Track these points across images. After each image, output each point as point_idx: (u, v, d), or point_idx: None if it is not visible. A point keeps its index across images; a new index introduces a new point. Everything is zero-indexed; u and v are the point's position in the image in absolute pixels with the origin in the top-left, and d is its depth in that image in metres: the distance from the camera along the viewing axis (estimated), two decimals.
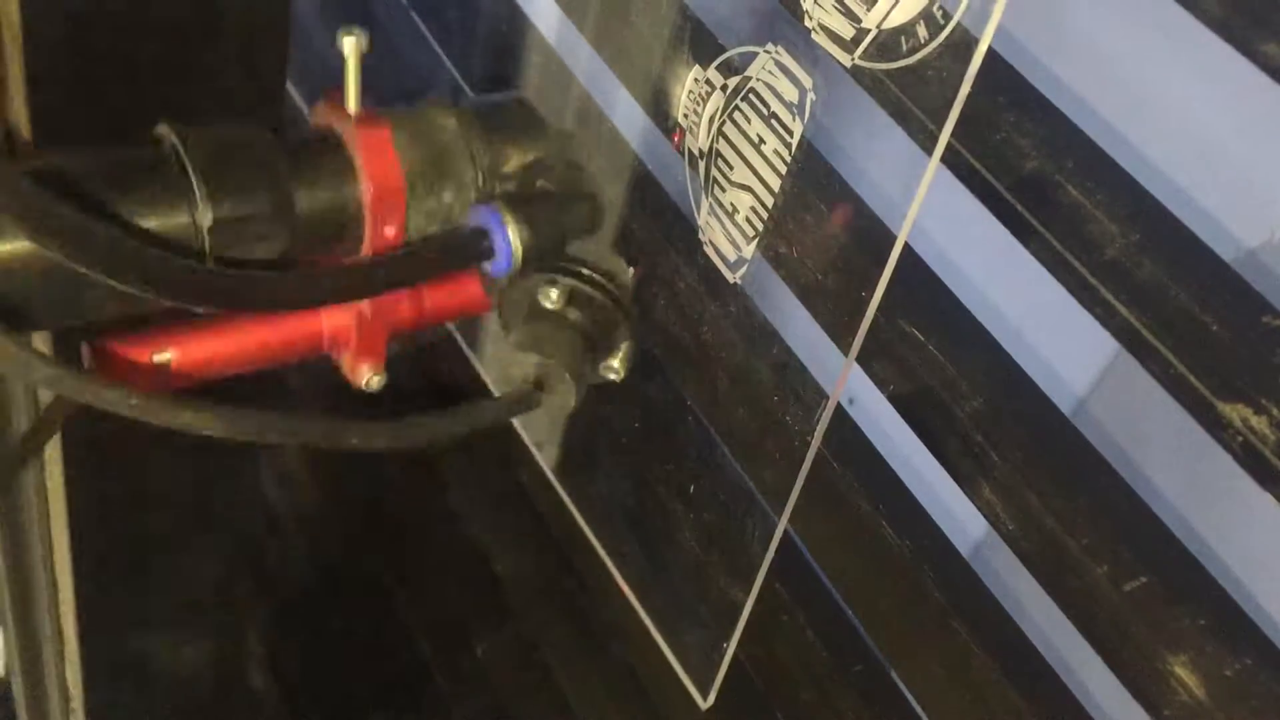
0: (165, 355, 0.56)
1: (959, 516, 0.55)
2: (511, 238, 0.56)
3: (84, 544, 0.86)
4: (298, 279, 0.55)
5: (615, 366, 0.59)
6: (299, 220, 0.52)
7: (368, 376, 0.60)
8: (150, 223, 0.50)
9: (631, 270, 0.61)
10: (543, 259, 0.57)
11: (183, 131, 0.52)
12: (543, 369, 0.57)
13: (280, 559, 1.24)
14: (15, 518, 0.88)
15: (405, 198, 0.55)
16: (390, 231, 0.55)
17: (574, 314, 0.58)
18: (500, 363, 0.58)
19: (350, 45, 0.54)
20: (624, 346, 0.59)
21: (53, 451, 0.76)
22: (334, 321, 0.59)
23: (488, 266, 0.57)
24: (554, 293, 0.58)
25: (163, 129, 0.52)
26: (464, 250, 0.56)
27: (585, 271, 0.58)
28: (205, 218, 0.50)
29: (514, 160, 0.58)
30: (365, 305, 0.59)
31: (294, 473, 1.21)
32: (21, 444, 0.62)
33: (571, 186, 0.58)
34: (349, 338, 0.61)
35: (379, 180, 0.54)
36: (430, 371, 0.99)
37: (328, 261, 0.57)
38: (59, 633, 0.96)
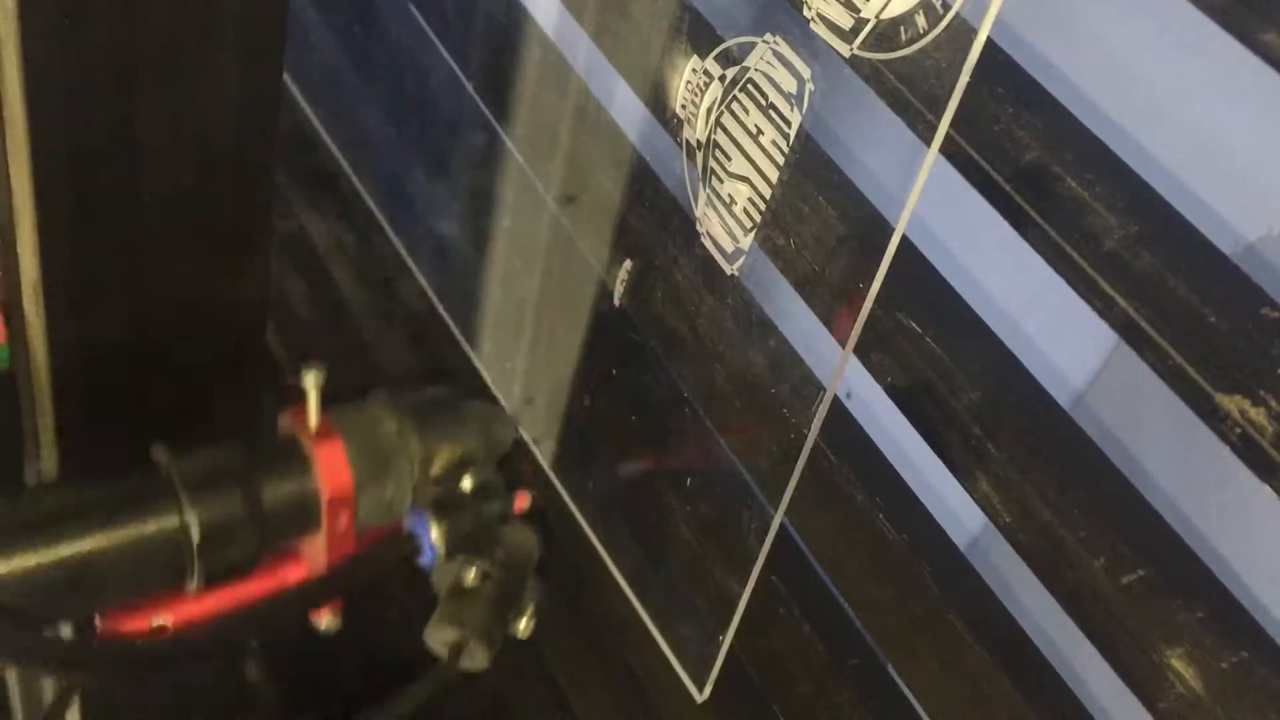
0: (161, 620, 0.69)
1: (956, 509, 0.55)
2: (434, 539, 0.70)
3: None
4: (268, 611, 0.71)
5: (523, 626, 0.74)
6: (269, 519, 0.66)
7: (326, 621, 0.75)
8: (147, 531, 0.64)
9: (538, 546, 0.74)
10: (464, 550, 0.71)
11: (173, 454, 0.65)
12: (462, 638, 0.71)
13: None
14: None
15: (354, 494, 0.68)
16: (343, 522, 0.69)
17: (488, 588, 0.72)
18: (427, 632, 0.71)
19: (311, 379, 0.67)
20: (529, 608, 0.73)
21: (48, 443, 0.76)
22: (297, 576, 0.73)
23: (417, 560, 0.72)
24: (471, 574, 0.71)
25: (158, 453, 0.66)
26: (398, 552, 0.72)
27: (498, 554, 0.72)
28: (192, 520, 0.64)
29: (441, 458, 0.71)
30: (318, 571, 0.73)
31: None
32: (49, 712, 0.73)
33: (488, 485, 0.72)
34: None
35: (334, 485, 0.67)
36: (426, 360, 0.99)
37: (291, 549, 0.71)
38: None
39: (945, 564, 0.56)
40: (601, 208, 0.73)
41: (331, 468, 0.68)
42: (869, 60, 0.52)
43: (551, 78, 0.76)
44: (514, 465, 0.88)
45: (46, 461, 0.76)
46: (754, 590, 0.67)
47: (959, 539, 0.56)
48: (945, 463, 0.54)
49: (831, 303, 0.57)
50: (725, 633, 0.69)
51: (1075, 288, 0.47)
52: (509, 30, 0.79)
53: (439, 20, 0.88)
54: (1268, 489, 0.42)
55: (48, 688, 1.01)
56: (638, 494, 0.76)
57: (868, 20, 0.51)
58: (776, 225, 0.59)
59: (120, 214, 0.68)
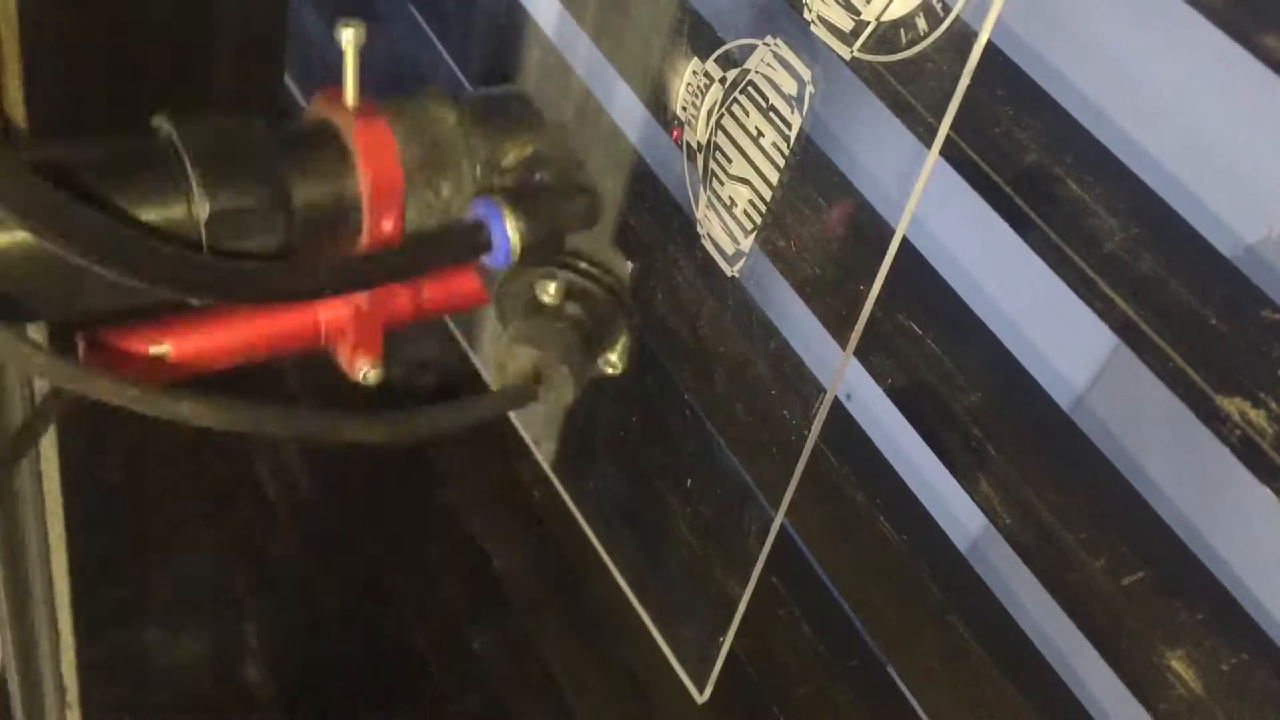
0: (162, 348, 0.56)
1: (956, 511, 0.55)
2: (509, 232, 0.56)
3: (80, 539, 0.86)
4: (294, 270, 0.55)
5: (613, 361, 0.59)
6: (296, 213, 0.52)
7: (364, 370, 0.60)
8: (147, 214, 0.50)
9: (630, 265, 0.60)
10: (540, 253, 0.57)
11: (180, 123, 0.52)
12: (540, 363, 0.57)
13: (277, 554, 1.24)
14: (11, 511, 0.88)
15: (403, 191, 0.55)
16: (388, 225, 0.55)
17: (571, 308, 0.58)
18: (498, 356, 0.57)
19: (348, 37, 0.54)
20: (621, 340, 0.60)
21: (49, 444, 0.76)
22: (330, 315, 0.59)
23: (485, 260, 0.57)
24: (551, 287, 0.58)
25: (160, 120, 0.52)
26: (462, 244, 0.57)
27: (583, 266, 0.59)
28: (202, 210, 0.50)
29: (511, 154, 0.58)
30: (362, 298, 0.59)
31: (291, 467, 1.21)
32: (17, 436, 0.62)
33: (569, 180, 0.58)
34: (346, 331, 0.61)
35: (377, 174, 0.54)
36: (427, 364, 0.98)
37: (325, 254, 0.57)
38: (55, 627, 0.96)
39: (945, 565, 0.56)
40: (603, 203, 0.72)
41: (375, 154, 0.53)
42: (869, 63, 0.52)
43: (552, 79, 0.76)
44: (514, 475, 0.88)
45: (13, 121, 0.61)
46: (754, 591, 0.67)
47: (959, 540, 0.56)
48: (945, 464, 0.54)
49: (832, 304, 0.57)
50: (725, 633, 0.69)
51: (1075, 289, 0.47)
52: (509, 31, 0.79)
53: (439, 20, 0.88)
54: (1268, 491, 0.42)
55: (48, 691, 1.01)
56: (638, 495, 0.76)
57: (868, 23, 0.52)
58: (777, 227, 0.59)
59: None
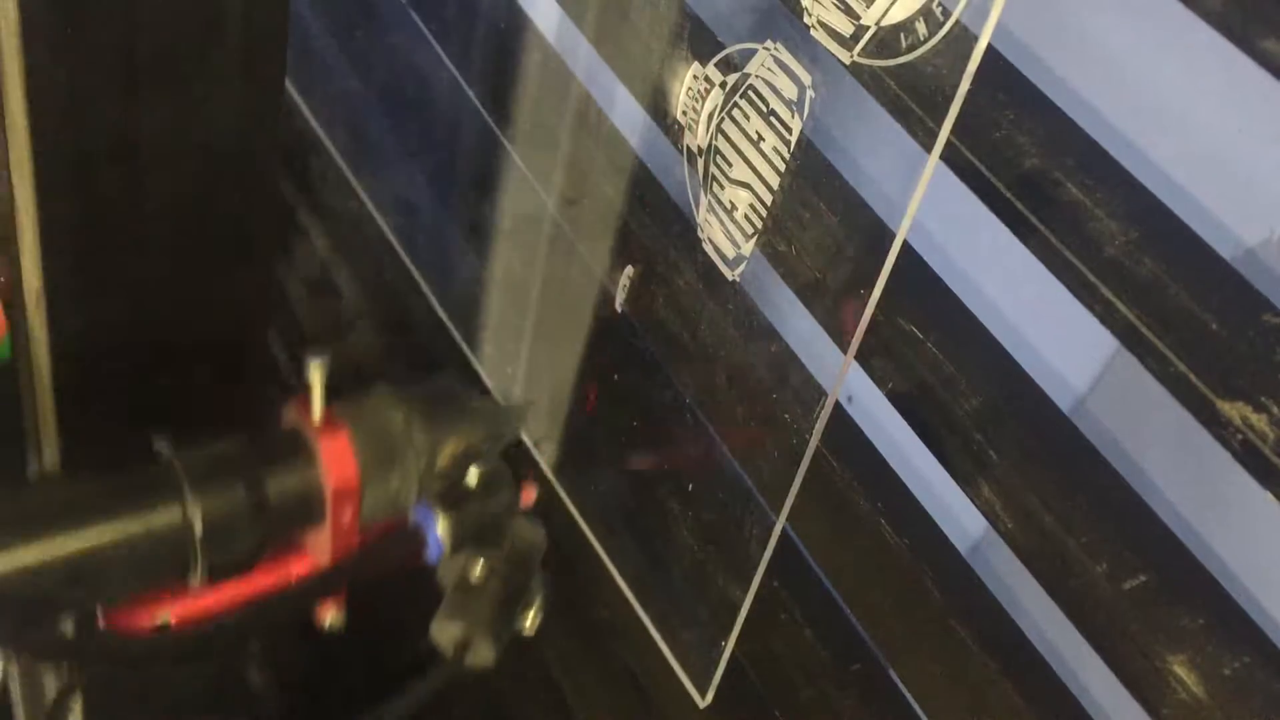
0: (164, 616, 0.69)
1: (958, 515, 0.55)
2: (440, 532, 0.69)
3: None
4: (272, 606, 0.70)
5: (529, 620, 0.73)
6: (272, 511, 0.65)
7: (330, 617, 0.75)
8: (149, 525, 0.63)
9: (542, 533, 0.73)
10: (469, 545, 0.71)
11: (178, 449, 0.65)
12: (467, 633, 0.70)
13: None
14: None
15: (360, 489, 0.67)
16: (347, 515, 0.68)
17: (494, 583, 0.71)
18: (434, 627, 0.70)
19: (315, 368, 0.65)
20: (536, 601, 0.73)
21: (48, 445, 0.76)
22: (301, 570, 0.72)
23: (425, 554, 0.71)
24: (477, 569, 0.70)
25: (160, 445, 0.65)
26: (404, 548, 0.71)
27: (505, 547, 0.71)
28: (196, 522, 0.63)
29: (449, 448, 0.69)
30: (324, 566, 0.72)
31: None
32: (52, 710, 0.77)
33: (494, 477, 0.71)
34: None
35: (339, 477, 0.66)
36: (427, 364, 0.99)
37: (295, 542, 0.70)
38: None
39: (947, 569, 0.56)
40: (603, 213, 0.73)
41: (336, 460, 0.66)
42: (870, 67, 0.52)
43: (552, 83, 0.76)
44: (518, 460, 0.88)
45: (48, 454, 0.76)
46: (756, 595, 0.67)
47: (960, 544, 0.56)
48: (947, 468, 0.54)
49: (833, 308, 0.57)
50: (727, 638, 0.69)
51: (1076, 294, 0.47)
52: (510, 36, 0.79)
53: (440, 26, 0.88)
54: (1269, 495, 0.42)
55: (49, 688, 1.01)
56: (639, 498, 0.76)
57: (868, 27, 0.52)
58: (778, 231, 0.59)
59: (123, 219, 0.68)
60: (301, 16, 1.06)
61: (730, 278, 0.63)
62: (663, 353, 0.70)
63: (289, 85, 1.09)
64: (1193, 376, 0.44)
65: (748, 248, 0.61)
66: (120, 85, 0.63)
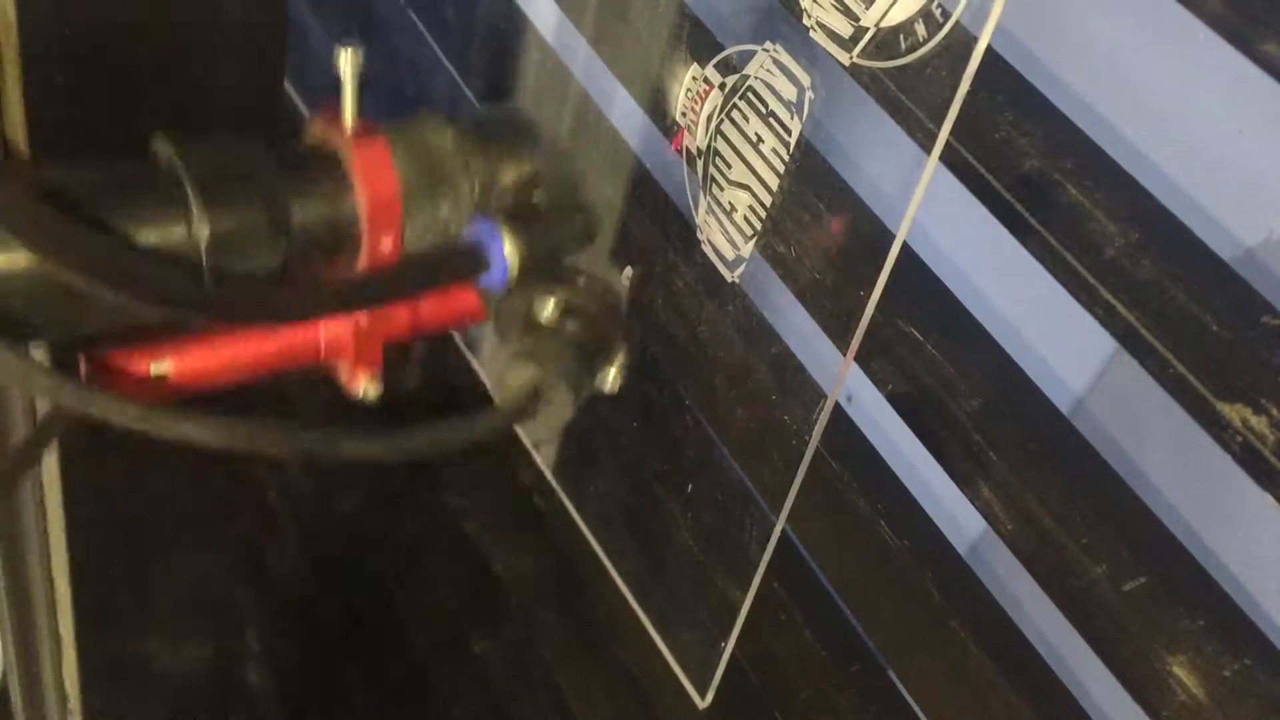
0: (163, 366, 0.57)
1: (957, 516, 0.55)
2: (507, 252, 0.57)
3: (81, 543, 0.86)
4: (293, 293, 0.55)
5: (611, 377, 0.60)
6: (295, 234, 0.53)
7: (364, 386, 0.61)
8: (148, 237, 0.51)
9: (627, 274, 0.62)
10: (538, 273, 0.58)
11: (180, 145, 0.52)
12: (539, 381, 0.57)
13: (278, 558, 1.24)
14: (12, 517, 0.88)
15: (401, 212, 0.56)
16: (386, 245, 0.56)
17: (569, 326, 0.59)
18: (497, 372, 0.60)
19: (347, 59, 0.54)
20: (618, 357, 0.60)
21: (49, 452, 0.76)
22: (331, 331, 0.60)
23: (484, 280, 0.58)
24: (549, 305, 0.59)
25: (159, 143, 0.53)
26: (461, 265, 0.58)
27: (580, 283, 0.60)
28: (202, 231, 0.51)
29: (510, 174, 0.58)
30: (362, 316, 0.60)
31: (293, 471, 1.21)
32: (19, 454, 0.62)
33: (566, 200, 0.59)
34: (346, 347, 0.61)
35: (375, 195, 0.55)
36: (429, 374, 0.98)
37: (324, 274, 0.57)
38: (56, 632, 0.96)
39: (947, 570, 0.56)
40: (602, 214, 0.73)
41: (373, 175, 0.55)
42: (869, 68, 0.52)
43: (551, 84, 0.76)
44: (514, 478, 0.88)
45: (13, 147, 0.62)
46: (756, 596, 0.67)
47: (960, 545, 0.56)
48: (946, 469, 0.54)
49: (832, 309, 0.57)
50: (727, 639, 0.69)
51: (1076, 295, 0.47)
52: (509, 37, 0.79)
53: (439, 27, 0.88)
54: (1269, 497, 0.42)
55: (49, 691, 1.01)
56: (639, 500, 0.76)
57: (867, 29, 0.52)
58: (777, 233, 0.59)
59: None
60: (300, 16, 1.06)
61: (730, 279, 0.63)
62: (662, 354, 0.70)
63: (288, 85, 1.09)
64: (1192, 378, 0.44)
65: (747, 249, 0.61)
66: (119, 86, 0.63)
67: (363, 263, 0.56)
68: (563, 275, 0.60)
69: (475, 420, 0.58)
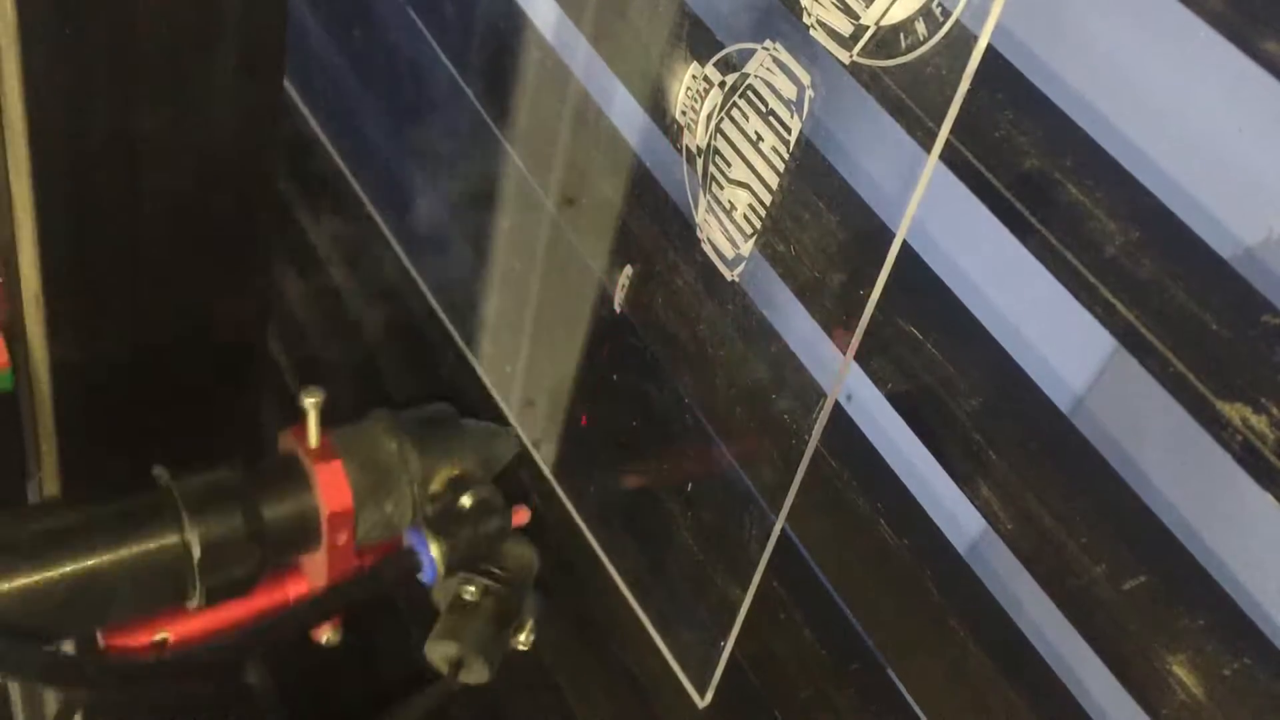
0: (162, 635, 0.71)
1: (957, 515, 0.55)
2: (434, 554, 0.70)
3: None
4: (269, 627, 0.72)
5: (521, 640, 0.75)
6: (269, 535, 0.66)
7: (326, 635, 0.76)
8: (149, 549, 0.64)
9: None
10: (462, 568, 0.72)
11: (175, 476, 0.66)
12: (461, 653, 0.71)
13: None
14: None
15: (355, 513, 0.68)
16: (342, 538, 0.69)
17: (487, 603, 0.72)
18: (429, 646, 0.71)
19: (310, 402, 0.67)
20: (529, 622, 0.75)
21: (49, 451, 0.76)
22: (298, 591, 0.74)
23: (419, 576, 0.72)
24: (470, 590, 0.72)
25: (159, 471, 0.66)
26: (399, 569, 0.71)
27: (496, 570, 0.73)
28: (195, 547, 0.64)
29: (443, 474, 0.71)
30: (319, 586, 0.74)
31: None
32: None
33: (485, 504, 0.72)
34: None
35: (333, 503, 0.68)
36: (430, 377, 0.98)
37: (294, 563, 0.72)
38: None
39: (946, 569, 0.56)
40: (602, 213, 0.73)
41: (331, 486, 0.67)
42: (869, 67, 0.52)
43: (551, 83, 0.76)
44: (513, 479, 0.88)
45: (48, 480, 0.77)
46: (755, 595, 0.67)
47: (960, 544, 0.55)
48: (946, 469, 0.54)
49: (832, 309, 0.57)
50: (727, 638, 0.69)
51: (1076, 294, 0.47)
52: (508, 35, 0.79)
53: (438, 25, 0.88)
54: (1269, 497, 0.42)
55: (50, 699, 1.00)
56: (638, 499, 0.76)
57: (867, 27, 0.51)
58: (777, 231, 0.59)
59: (121, 222, 0.69)
60: (300, 16, 1.06)
61: (729, 278, 0.63)
62: (661, 353, 0.70)
63: (287, 84, 1.09)
64: (1192, 377, 0.44)
65: (747, 248, 0.61)
66: (119, 85, 0.63)
67: (322, 555, 0.69)
68: (484, 560, 0.73)
69: (420, 699, 0.73)
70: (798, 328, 0.60)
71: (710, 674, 0.71)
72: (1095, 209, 0.46)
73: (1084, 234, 0.46)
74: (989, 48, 0.48)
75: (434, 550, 0.70)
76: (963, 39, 0.48)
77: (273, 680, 1.12)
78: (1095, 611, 0.49)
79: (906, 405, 0.56)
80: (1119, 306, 0.45)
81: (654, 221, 0.67)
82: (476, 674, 0.73)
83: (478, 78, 0.84)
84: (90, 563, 0.62)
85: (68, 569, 0.62)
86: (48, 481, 0.78)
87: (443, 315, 0.95)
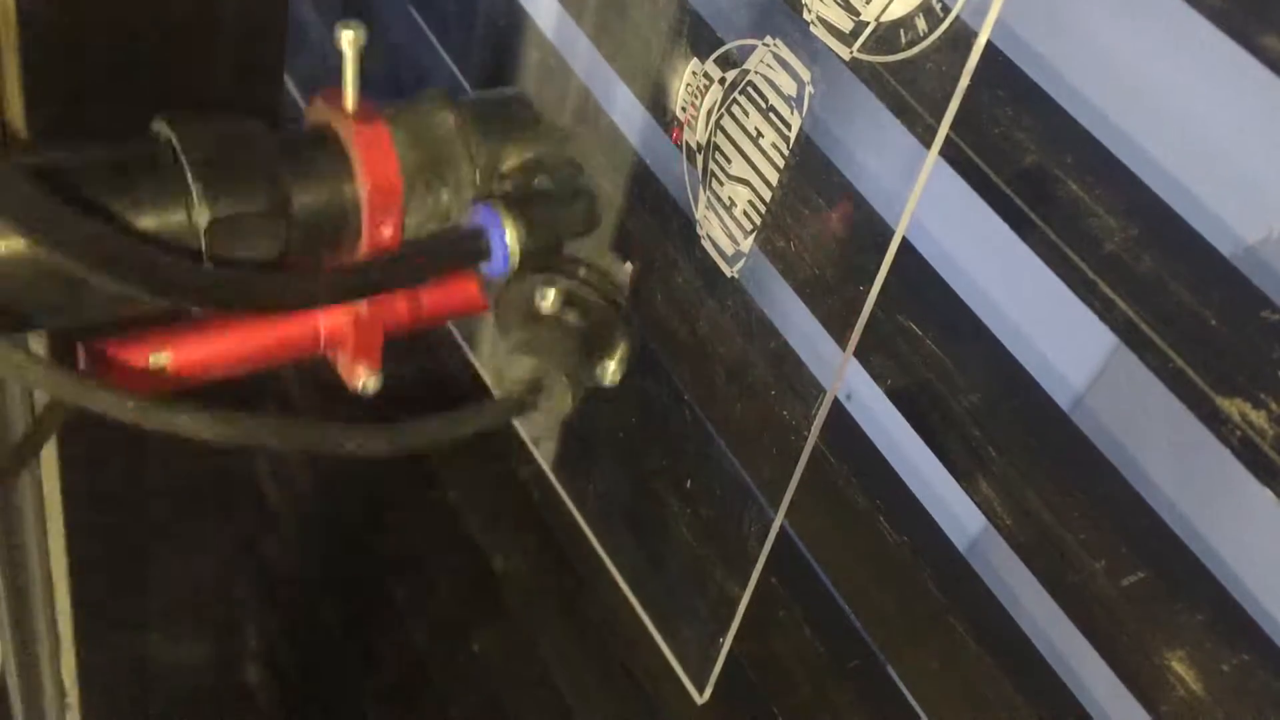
0: (162, 357, 0.56)
1: (956, 511, 0.55)
2: (508, 239, 0.55)
3: (80, 540, 0.86)
4: (295, 280, 0.54)
5: (611, 370, 0.59)
6: (295, 218, 0.52)
7: (364, 378, 0.60)
8: (147, 221, 0.50)
9: (628, 267, 0.61)
10: (539, 260, 0.57)
11: (179, 128, 0.51)
12: (539, 373, 0.56)
13: (277, 554, 1.24)
14: (11, 514, 0.88)
15: (403, 197, 0.54)
16: (387, 231, 0.55)
17: (570, 317, 0.58)
18: (497, 364, 0.57)
19: (349, 38, 0.53)
20: (619, 349, 0.60)
21: (48, 448, 0.76)
22: (330, 322, 0.59)
23: (485, 267, 0.57)
24: (550, 296, 0.58)
25: (159, 125, 0.52)
26: (461, 251, 0.56)
27: (582, 274, 0.58)
28: (202, 217, 0.50)
29: (511, 158, 0.57)
30: (362, 306, 0.59)
31: (292, 468, 1.21)
32: (18, 447, 0.62)
33: (569, 185, 0.58)
34: (345, 338, 0.60)
35: (377, 180, 0.53)
36: (427, 369, 0.98)
37: (324, 260, 0.57)
38: (54, 629, 0.96)
39: (946, 566, 0.56)
40: (601, 209, 0.72)
41: (374, 159, 0.53)
42: (869, 63, 0.52)
43: (551, 80, 0.76)
44: (512, 476, 0.88)
45: (12, 113, 0.62)
46: (754, 592, 0.67)
47: (959, 541, 0.56)
48: (945, 464, 0.54)
49: (831, 304, 0.57)
50: (725, 634, 0.69)
51: (1075, 290, 0.47)
52: (508, 32, 0.79)
53: (438, 21, 0.88)
54: (1269, 492, 0.42)
55: (46, 679, 1.01)
56: (638, 496, 0.76)
57: (867, 23, 0.51)
58: (777, 228, 0.59)
59: None
60: (300, 12, 1.05)
61: (729, 274, 0.63)
62: (661, 349, 0.70)
63: (287, 80, 1.09)
64: (1191, 373, 0.44)
65: (746, 244, 0.61)
66: (118, 85, 0.63)
67: (363, 249, 0.55)
68: (564, 264, 0.58)
69: (477, 412, 0.56)
70: (797, 324, 0.60)
71: (709, 671, 0.71)
72: (1095, 205, 0.46)
73: (1083, 230, 0.46)
74: (989, 44, 0.48)
75: (509, 233, 0.55)
76: (963, 35, 0.48)
77: (271, 678, 1.12)
78: (1094, 608, 0.49)
79: (906, 401, 0.56)
80: (1118, 302, 0.45)
81: (654, 218, 0.67)
82: (559, 399, 0.57)
83: (478, 74, 0.84)
84: (66, 234, 0.47)
85: (37, 238, 0.46)
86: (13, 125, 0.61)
87: None
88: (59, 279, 0.49)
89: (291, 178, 0.52)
